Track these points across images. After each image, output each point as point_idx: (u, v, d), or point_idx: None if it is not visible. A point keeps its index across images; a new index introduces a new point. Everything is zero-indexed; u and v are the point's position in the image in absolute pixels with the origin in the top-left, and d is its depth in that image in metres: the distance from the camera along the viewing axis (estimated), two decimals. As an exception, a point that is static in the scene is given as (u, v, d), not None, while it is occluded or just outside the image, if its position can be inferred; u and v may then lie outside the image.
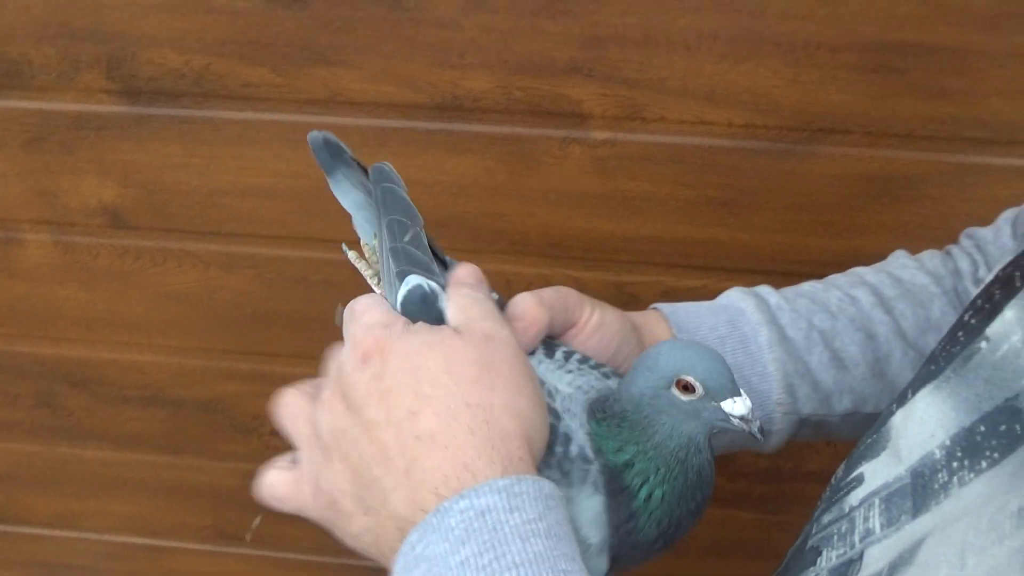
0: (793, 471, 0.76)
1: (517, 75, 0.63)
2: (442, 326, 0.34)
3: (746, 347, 0.42)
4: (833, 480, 0.35)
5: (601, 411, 0.36)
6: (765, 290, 0.45)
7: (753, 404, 0.35)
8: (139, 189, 0.71)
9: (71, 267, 0.75)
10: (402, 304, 0.35)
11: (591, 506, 0.34)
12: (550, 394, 0.35)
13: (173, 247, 0.73)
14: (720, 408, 0.34)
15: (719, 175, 0.65)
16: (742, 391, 0.35)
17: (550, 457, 0.34)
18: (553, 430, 0.34)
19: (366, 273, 0.41)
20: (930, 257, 0.48)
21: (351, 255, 0.41)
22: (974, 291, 0.40)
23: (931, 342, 0.42)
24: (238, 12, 0.63)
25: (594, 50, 0.62)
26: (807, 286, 0.46)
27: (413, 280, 0.35)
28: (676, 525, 0.35)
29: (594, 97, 0.63)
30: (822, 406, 0.43)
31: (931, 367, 0.32)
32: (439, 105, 0.65)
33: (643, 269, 0.70)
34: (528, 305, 0.36)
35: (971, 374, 0.30)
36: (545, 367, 0.37)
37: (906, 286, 0.45)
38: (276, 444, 0.35)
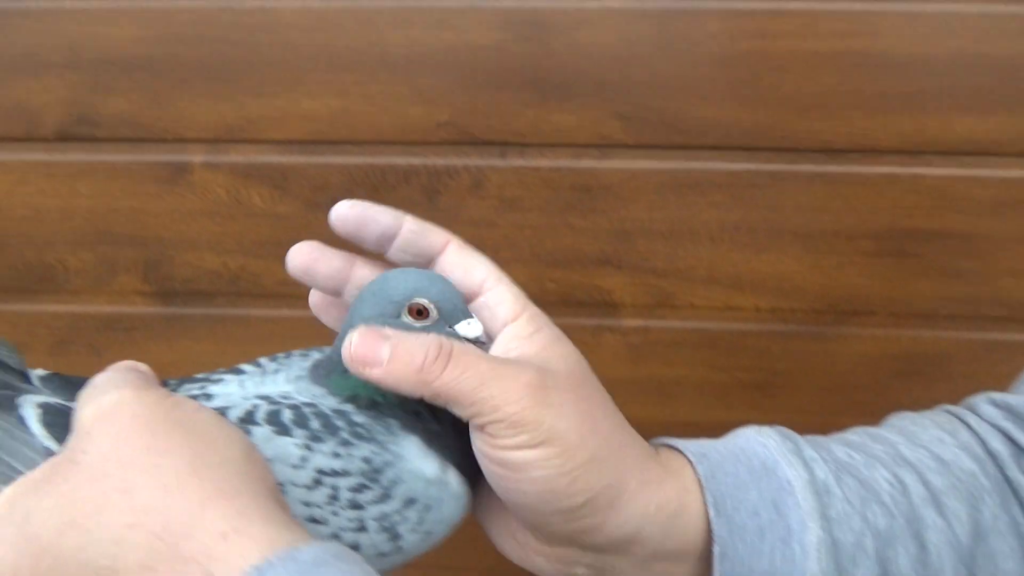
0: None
1: (550, 268, 0.65)
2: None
3: (786, 546, 0.35)
4: None
5: (326, 371, 0.35)
6: (809, 453, 0.37)
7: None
8: (164, 388, 0.70)
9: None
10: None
11: (414, 447, 0.34)
12: (270, 399, 0.34)
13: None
14: (455, 332, 0.35)
15: (750, 358, 0.66)
16: (472, 314, 0.36)
17: (335, 432, 0.33)
18: (318, 415, 0.33)
19: None
20: (949, 422, 0.41)
21: None
22: (1021, 478, 0.38)
23: (980, 559, 0.36)
24: (279, 216, 0.66)
25: (623, 243, 0.65)
26: (844, 452, 0.39)
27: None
28: None
29: (624, 287, 0.66)
30: None
31: None
32: (472, 298, 0.66)
33: (680, 454, 0.69)
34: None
35: None
36: (240, 384, 0.35)
37: (955, 474, 0.38)
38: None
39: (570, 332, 0.66)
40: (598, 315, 0.66)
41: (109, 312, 0.69)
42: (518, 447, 0.32)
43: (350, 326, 0.34)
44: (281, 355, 0.38)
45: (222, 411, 0.33)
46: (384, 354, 0.32)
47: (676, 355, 0.67)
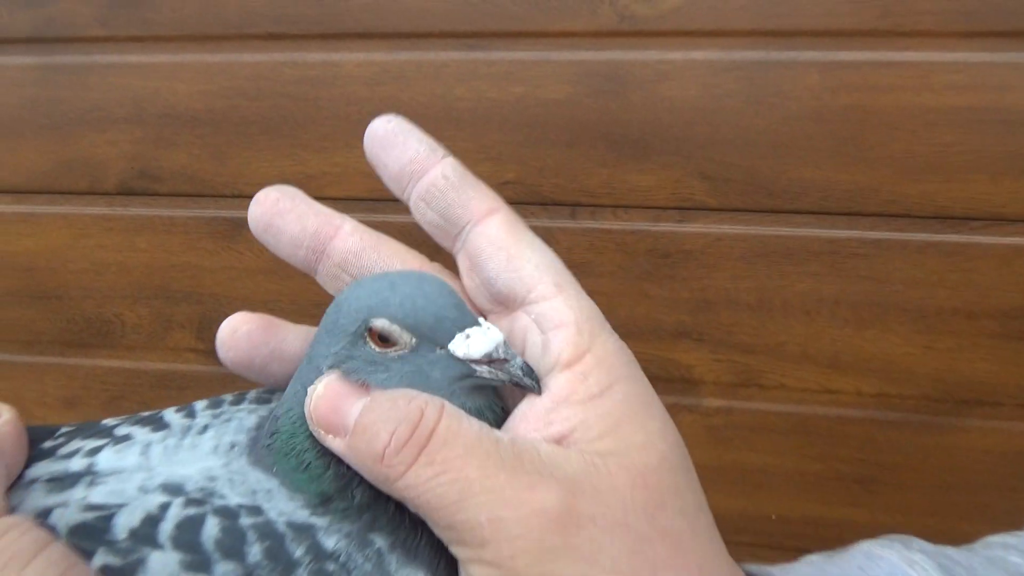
0: None
1: (623, 338, 0.59)
2: None
3: None
4: None
5: (273, 443, 0.23)
6: None
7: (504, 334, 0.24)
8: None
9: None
10: None
11: None
12: (182, 491, 0.22)
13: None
14: (451, 356, 0.23)
15: (851, 448, 0.58)
16: (480, 318, 0.24)
17: (292, 569, 0.21)
18: (263, 531, 0.22)
19: None
20: None
21: None
22: None
23: None
24: (335, 276, 0.63)
25: (704, 314, 0.58)
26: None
27: None
28: None
29: (705, 362, 0.59)
30: None
31: None
32: (537, 368, 0.61)
33: (766, 553, 0.61)
34: None
35: None
36: (150, 452, 0.24)
37: None
38: None
39: (643, 410, 0.61)
40: (675, 392, 0.60)
41: (163, 369, 0.67)
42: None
43: (310, 364, 0.24)
44: (229, 399, 0.27)
45: (105, 517, 0.22)
46: (351, 417, 0.22)
47: (763, 440, 0.60)
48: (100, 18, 0.61)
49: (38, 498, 0.23)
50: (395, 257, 0.28)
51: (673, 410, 0.59)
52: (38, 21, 0.62)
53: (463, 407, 0.24)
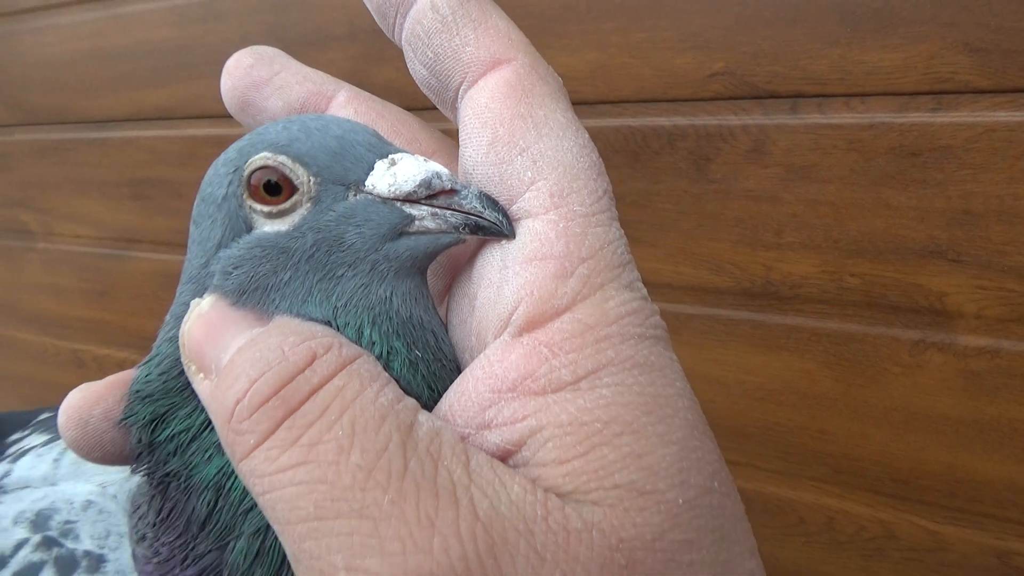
0: None
1: (852, 258, 0.49)
2: None
3: None
4: None
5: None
6: None
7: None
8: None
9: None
10: None
11: None
12: (48, 525, 0.17)
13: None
14: (373, 199, 0.16)
15: None
16: (400, 147, 0.17)
17: None
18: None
19: None
20: None
21: None
22: None
23: None
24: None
25: (966, 228, 0.46)
26: None
27: None
28: None
29: (964, 290, 0.47)
30: None
31: None
32: (747, 291, 0.53)
33: (1042, 536, 0.48)
34: None
35: None
36: (61, 460, 0.19)
37: None
38: None
39: (877, 345, 0.50)
40: (921, 326, 0.49)
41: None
42: None
43: (184, 283, 0.18)
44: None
45: None
46: (229, 352, 0.15)
47: (1045, 394, 0.46)
48: (321, -61, 0.64)
49: None
50: (400, 135, 0.21)
51: (918, 347, 0.48)
52: (271, -51, 0.66)
53: (404, 316, 0.16)
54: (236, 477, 0.15)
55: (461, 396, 0.16)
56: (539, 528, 0.13)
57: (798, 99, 0.49)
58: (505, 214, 0.17)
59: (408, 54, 0.19)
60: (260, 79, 0.21)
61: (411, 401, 0.15)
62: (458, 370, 0.17)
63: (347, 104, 0.21)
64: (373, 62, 0.64)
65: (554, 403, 0.15)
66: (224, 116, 0.74)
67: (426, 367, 0.16)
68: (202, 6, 0.72)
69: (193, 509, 0.16)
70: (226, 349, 0.15)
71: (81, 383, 0.19)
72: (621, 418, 0.14)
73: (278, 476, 0.13)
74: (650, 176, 0.54)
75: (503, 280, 0.16)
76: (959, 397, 0.48)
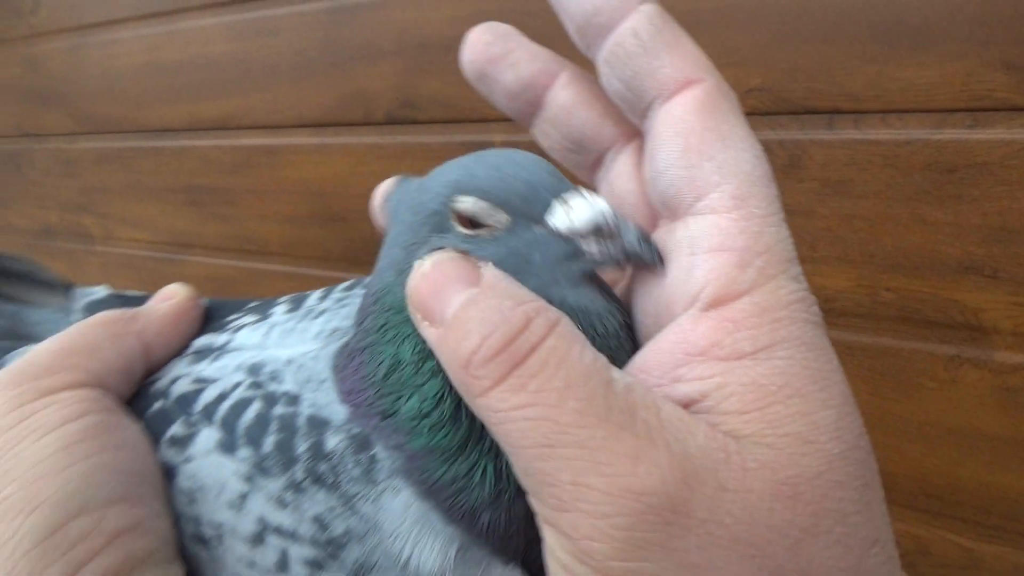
0: None
1: (887, 272, 0.50)
2: None
3: None
4: None
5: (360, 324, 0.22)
6: None
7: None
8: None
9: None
10: None
11: (397, 511, 0.19)
12: (258, 375, 0.22)
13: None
14: (552, 233, 0.20)
15: None
16: (581, 188, 0.21)
17: (289, 464, 0.20)
18: (285, 422, 0.21)
19: None
20: None
21: None
22: None
23: None
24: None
25: (1002, 244, 0.46)
26: None
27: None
28: None
29: (1000, 306, 0.47)
30: None
31: None
32: (782, 304, 0.54)
33: (1080, 556, 0.47)
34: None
35: None
36: (271, 332, 0.24)
37: None
38: None
39: (912, 360, 0.50)
40: (956, 341, 0.49)
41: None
42: None
43: (388, 255, 0.23)
44: (353, 283, 0.26)
45: (199, 390, 0.23)
46: (452, 307, 0.19)
47: (1082, 412, 0.46)
48: (372, -41, 0.66)
49: (178, 365, 0.25)
50: (609, 117, 0.23)
51: (953, 362, 0.49)
52: (324, -32, 0.69)
53: (576, 307, 0.20)
54: (412, 358, 0.20)
55: (658, 354, 0.19)
56: (722, 465, 0.17)
57: (834, 115, 0.50)
58: (656, 250, 0.21)
59: (603, 70, 0.22)
60: (496, 55, 0.24)
61: (603, 359, 0.19)
62: (631, 340, 0.22)
63: (568, 84, 0.24)
64: (420, 75, 0.66)
65: (737, 367, 0.18)
66: (275, 127, 0.77)
67: (603, 342, 0.21)
68: (257, 22, 0.75)
69: (380, 364, 0.21)
70: (449, 304, 0.19)
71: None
72: (791, 384, 0.18)
73: (511, 413, 0.17)
74: None
75: (692, 265, 0.20)
76: (995, 414, 0.48)
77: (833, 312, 0.52)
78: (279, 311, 0.26)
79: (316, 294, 0.26)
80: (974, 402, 0.49)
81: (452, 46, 0.63)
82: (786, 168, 0.52)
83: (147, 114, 0.88)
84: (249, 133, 0.79)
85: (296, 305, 0.26)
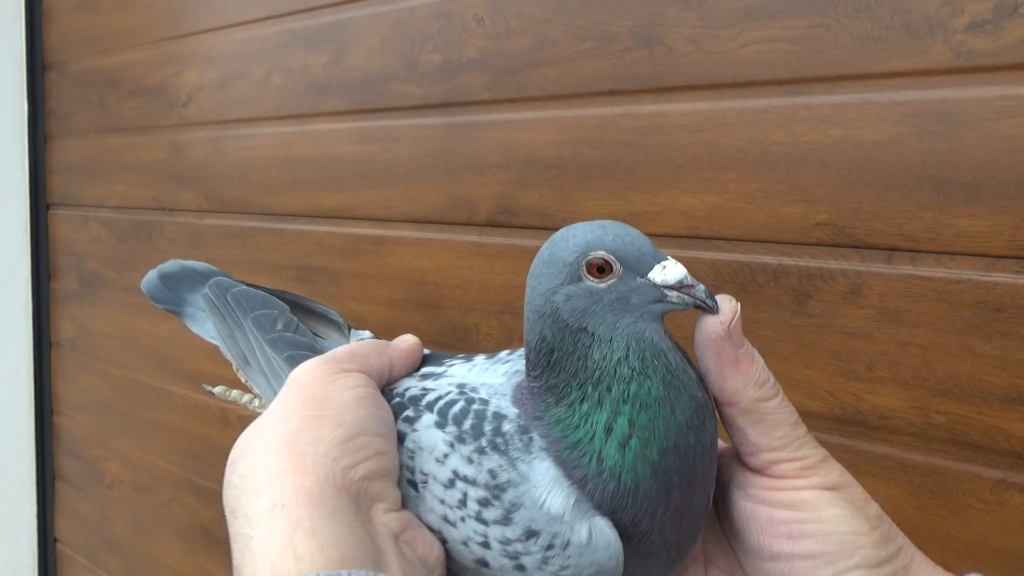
0: None
1: (937, 397, 0.55)
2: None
3: None
4: None
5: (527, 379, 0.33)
6: None
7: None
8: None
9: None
10: None
11: (541, 471, 0.30)
12: (463, 389, 0.34)
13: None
14: (650, 283, 0.30)
15: None
16: (669, 257, 0.30)
17: (478, 437, 0.31)
18: (478, 414, 0.32)
19: (242, 400, 0.43)
20: None
21: (217, 390, 0.45)
22: None
23: None
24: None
25: (1046, 380, 0.51)
26: None
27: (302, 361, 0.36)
28: (681, 466, 0.30)
29: (1044, 436, 0.51)
30: None
31: None
32: (839, 417, 0.59)
33: None
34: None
35: None
36: (473, 369, 0.36)
37: None
38: None
39: (960, 481, 0.54)
40: (1003, 467, 0.53)
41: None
42: (812, 487, 0.31)
43: (531, 309, 0.32)
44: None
45: (423, 393, 0.35)
46: (744, 341, 0.32)
47: (1123, 544, 0.49)
48: (488, 86, 0.77)
49: (410, 380, 0.37)
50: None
51: (998, 487, 0.53)
52: (446, 90, 0.80)
53: (649, 331, 0.31)
54: (593, 382, 0.31)
55: (758, 513, 0.33)
56: None
57: (893, 251, 0.56)
58: (715, 302, 0.31)
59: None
60: None
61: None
62: (695, 370, 0.33)
63: None
64: (521, 187, 0.75)
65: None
66: (386, 219, 0.86)
67: (664, 371, 0.31)
68: (381, 129, 0.87)
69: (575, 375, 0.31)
70: (743, 337, 0.32)
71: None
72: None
73: (779, 405, 0.32)
74: (755, 306, 0.62)
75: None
76: (1039, 538, 0.52)
77: (887, 429, 0.57)
78: (480, 358, 0.38)
79: (506, 351, 0.38)
80: (1020, 526, 0.52)
81: (552, 164, 0.73)
82: (847, 295, 0.58)
83: (272, 199, 0.99)
84: (362, 223, 0.89)
85: (491, 356, 0.38)
